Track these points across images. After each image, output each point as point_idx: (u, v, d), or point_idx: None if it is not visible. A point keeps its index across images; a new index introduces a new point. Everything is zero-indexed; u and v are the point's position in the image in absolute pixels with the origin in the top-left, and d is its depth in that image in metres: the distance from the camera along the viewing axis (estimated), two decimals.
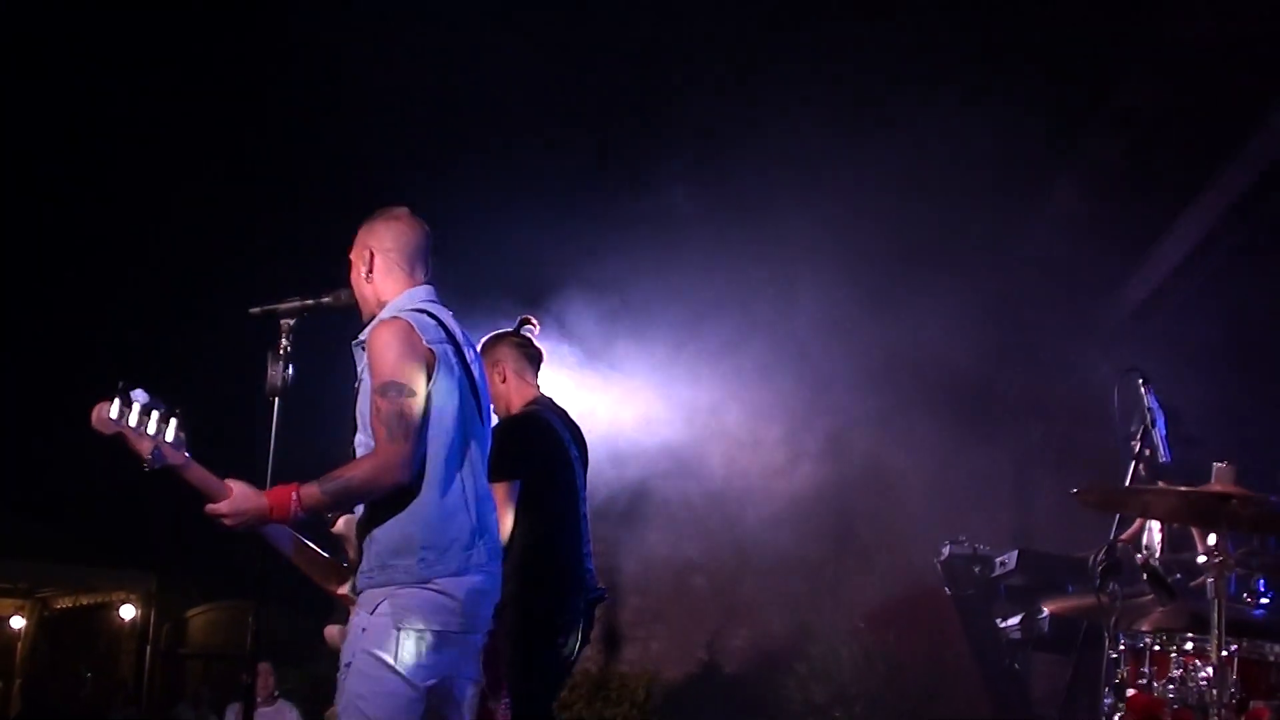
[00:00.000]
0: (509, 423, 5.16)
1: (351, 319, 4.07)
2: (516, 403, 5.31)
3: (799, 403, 11.05)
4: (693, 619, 12.01)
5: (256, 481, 3.79)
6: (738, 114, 10.95)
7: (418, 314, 3.83)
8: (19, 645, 19.35)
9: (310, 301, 3.96)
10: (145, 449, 3.57)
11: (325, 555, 4.01)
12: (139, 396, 3.60)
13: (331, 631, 4.05)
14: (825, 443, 10.92)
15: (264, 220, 13.75)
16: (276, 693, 10.04)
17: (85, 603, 19.47)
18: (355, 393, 3.89)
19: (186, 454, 3.65)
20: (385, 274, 3.96)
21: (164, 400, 3.66)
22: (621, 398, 9.75)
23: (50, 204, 15.15)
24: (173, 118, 12.96)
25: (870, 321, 10.68)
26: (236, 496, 3.61)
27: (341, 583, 3.95)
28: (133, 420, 3.55)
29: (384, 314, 3.88)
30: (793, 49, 10.00)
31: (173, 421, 3.64)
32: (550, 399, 5.40)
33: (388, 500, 3.69)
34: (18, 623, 19.45)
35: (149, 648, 19.32)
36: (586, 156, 11.58)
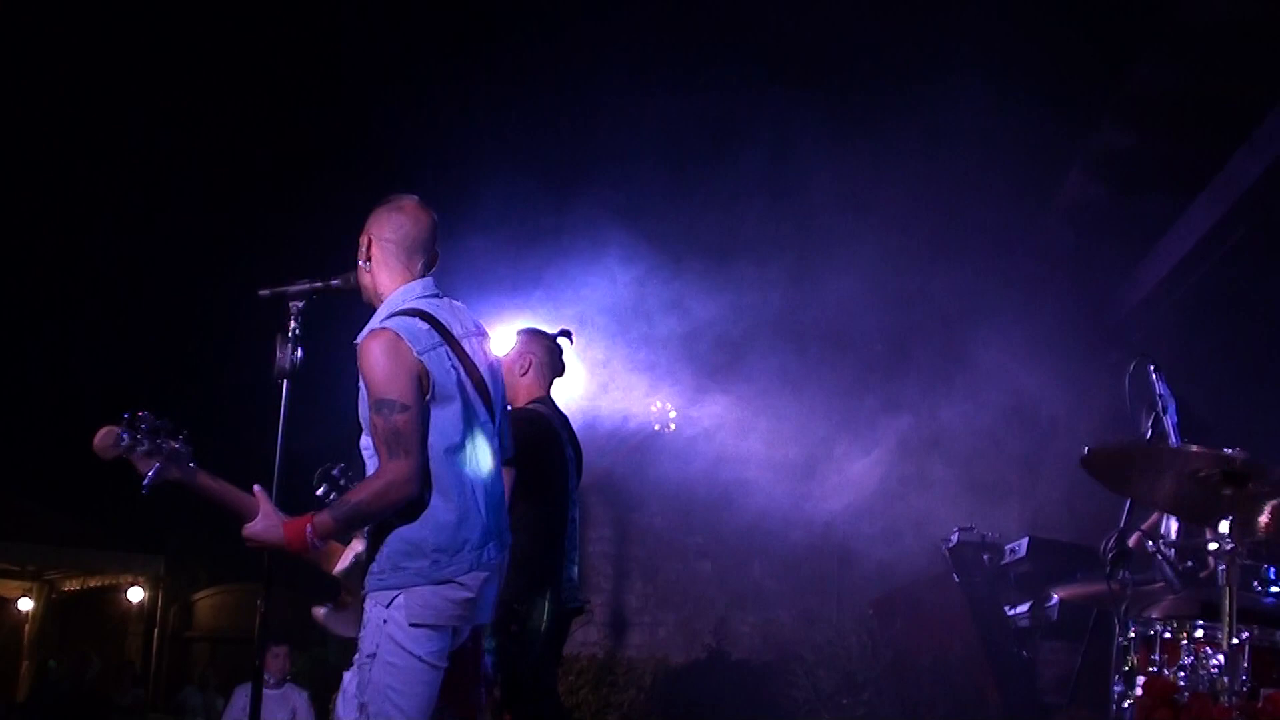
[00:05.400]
0: (516, 414, 5.17)
1: (360, 301, 4.06)
2: (523, 397, 5.41)
3: (807, 389, 11.04)
4: (700, 605, 12.01)
5: (267, 465, 3.80)
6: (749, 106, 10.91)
7: (408, 318, 3.76)
8: (27, 627, 19.42)
9: (319, 284, 3.96)
10: (146, 469, 3.74)
11: None
12: (145, 420, 3.75)
13: (319, 613, 4.13)
14: (833, 429, 10.90)
15: (275, 202, 13.74)
16: (287, 676, 10.05)
17: (93, 585, 19.52)
18: (358, 393, 3.86)
19: (192, 464, 3.80)
20: (380, 264, 3.91)
21: (169, 421, 3.80)
22: (630, 384, 9.75)
23: (59, 190, 15.14)
24: (185, 99, 12.95)
25: (877, 309, 10.66)
26: (257, 526, 3.68)
27: (339, 563, 4.00)
28: (137, 447, 3.73)
29: (374, 320, 3.84)
30: (802, 35, 9.95)
31: (180, 440, 3.79)
32: (553, 400, 5.51)
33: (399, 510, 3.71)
34: (26, 605, 19.50)
35: (156, 630, 19.41)
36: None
